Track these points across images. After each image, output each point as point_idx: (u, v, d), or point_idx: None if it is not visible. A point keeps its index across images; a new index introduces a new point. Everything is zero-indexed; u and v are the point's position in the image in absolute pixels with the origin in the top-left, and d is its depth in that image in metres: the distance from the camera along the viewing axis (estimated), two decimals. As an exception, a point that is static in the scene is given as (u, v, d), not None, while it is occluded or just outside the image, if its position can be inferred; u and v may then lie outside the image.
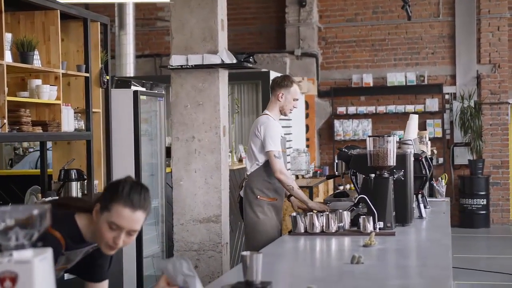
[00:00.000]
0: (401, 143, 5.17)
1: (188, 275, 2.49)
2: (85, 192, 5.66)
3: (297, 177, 10.10)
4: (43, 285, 1.78)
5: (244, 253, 2.68)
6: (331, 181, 11.30)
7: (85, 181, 5.63)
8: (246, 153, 5.47)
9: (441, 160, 12.34)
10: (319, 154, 12.84)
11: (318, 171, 11.28)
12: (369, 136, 4.43)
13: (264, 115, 5.29)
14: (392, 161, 4.34)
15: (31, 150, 8.70)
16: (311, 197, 8.95)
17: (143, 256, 6.41)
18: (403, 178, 4.47)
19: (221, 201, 5.97)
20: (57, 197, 5.13)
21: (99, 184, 5.89)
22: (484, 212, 12.02)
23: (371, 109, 12.57)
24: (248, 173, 5.28)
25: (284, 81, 5.29)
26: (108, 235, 2.49)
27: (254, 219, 5.17)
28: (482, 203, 11.98)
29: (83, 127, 5.62)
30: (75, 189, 5.53)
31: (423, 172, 5.02)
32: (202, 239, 5.56)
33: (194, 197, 5.55)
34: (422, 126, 12.07)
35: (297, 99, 5.30)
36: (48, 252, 1.83)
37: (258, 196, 5.17)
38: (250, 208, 5.20)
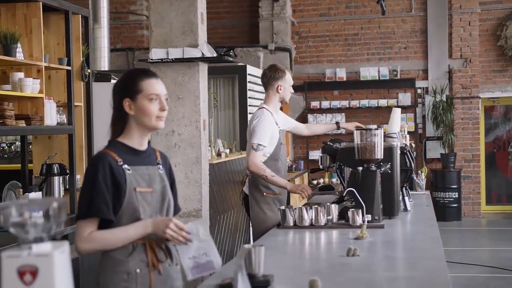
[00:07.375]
0: (386, 136, 5.19)
1: (204, 241, 2.54)
2: (67, 187, 5.59)
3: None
4: (62, 278, 1.77)
5: (247, 246, 2.68)
6: (306, 175, 11.35)
7: (68, 175, 5.56)
8: (246, 149, 5.34)
9: (414, 153, 12.44)
10: (292, 148, 12.87)
11: (294, 166, 11.33)
12: (357, 129, 4.45)
13: (261, 109, 5.24)
14: (379, 154, 4.36)
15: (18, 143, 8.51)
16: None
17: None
18: (390, 171, 4.49)
19: (202, 195, 5.94)
20: None
21: (81, 179, 5.83)
22: (456, 205, 12.18)
23: (345, 103, 12.62)
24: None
25: (278, 73, 5.32)
26: (152, 108, 2.80)
27: (261, 216, 5.12)
28: (454, 197, 12.13)
29: (65, 121, 5.55)
30: (57, 184, 5.46)
31: (408, 165, 5.06)
32: (183, 233, 5.52)
33: (174, 191, 5.50)
34: (395, 120, 12.15)
35: (292, 84, 5.44)
36: (66, 245, 1.81)
37: (264, 193, 5.12)
38: (257, 205, 5.14)
